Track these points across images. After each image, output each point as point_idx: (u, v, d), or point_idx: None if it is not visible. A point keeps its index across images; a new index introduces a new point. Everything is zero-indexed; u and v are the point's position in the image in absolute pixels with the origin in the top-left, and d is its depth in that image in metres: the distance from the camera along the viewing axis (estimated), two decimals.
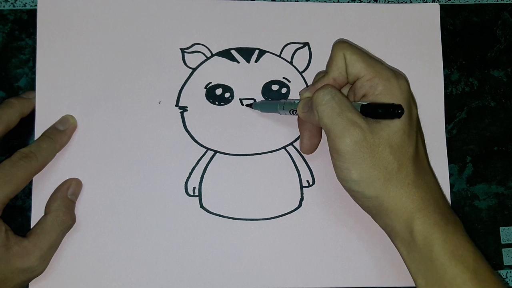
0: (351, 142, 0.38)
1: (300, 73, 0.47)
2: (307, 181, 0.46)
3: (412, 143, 0.40)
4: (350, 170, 0.39)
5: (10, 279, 0.40)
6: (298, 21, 0.48)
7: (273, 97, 0.47)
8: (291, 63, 0.48)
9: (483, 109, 0.50)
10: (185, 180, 0.46)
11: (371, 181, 0.39)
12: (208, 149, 0.46)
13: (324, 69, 0.44)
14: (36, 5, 0.47)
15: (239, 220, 0.45)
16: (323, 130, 0.44)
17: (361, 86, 0.41)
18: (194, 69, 0.47)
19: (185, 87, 0.47)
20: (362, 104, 0.39)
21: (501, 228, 0.48)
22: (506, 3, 0.51)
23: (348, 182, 0.39)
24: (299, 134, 0.46)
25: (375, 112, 0.39)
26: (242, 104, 0.47)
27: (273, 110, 0.45)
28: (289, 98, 0.47)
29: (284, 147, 0.47)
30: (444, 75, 0.48)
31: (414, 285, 0.45)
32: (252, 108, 0.46)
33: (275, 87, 0.47)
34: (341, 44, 0.42)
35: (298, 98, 0.45)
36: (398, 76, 0.41)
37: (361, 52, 0.41)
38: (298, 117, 0.45)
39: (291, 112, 0.44)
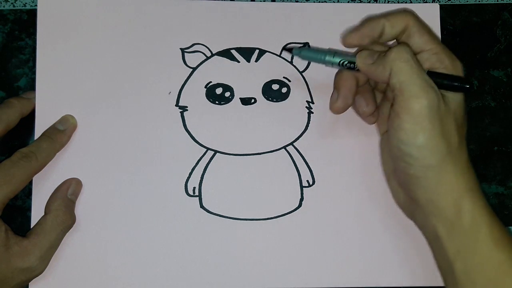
0: (427, 105, 0.37)
1: (300, 73, 0.47)
2: (307, 181, 0.46)
3: (465, 124, 0.40)
4: (418, 133, 0.37)
5: (10, 279, 0.40)
6: (298, 21, 0.48)
7: (274, 96, 0.47)
8: (291, 63, 0.48)
9: (483, 109, 0.50)
10: (185, 180, 0.46)
11: (435, 150, 0.38)
12: (208, 149, 0.46)
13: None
14: (36, 5, 0.47)
15: (239, 220, 0.45)
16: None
17: (428, 58, 0.40)
18: (194, 69, 0.47)
19: (185, 86, 0.47)
20: (429, 71, 0.39)
21: None
22: (506, 3, 0.51)
23: (411, 146, 0.38)
24: (299, 134, 0.46)
25: (449, 82, 0.38)
26: (243, 104, 0.47)
27: (319, 59, 0.43)
28: (290, 97, 0.47)
29: (284, 147, 0.47)
30: None
31: (414, 285, 0.45)
32: (291, 53, 0.44)
33: (275, 87, 0.47)
34: (410, 13, 0.41)
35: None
36: (458, 60, 0.41)
37: (428, 27, 0.41)
38: (339, 72, 0.43)
39: (341, 64, 0.42)
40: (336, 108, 0.43)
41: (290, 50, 0.45)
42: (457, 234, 0.38)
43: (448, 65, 0.40)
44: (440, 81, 0.39)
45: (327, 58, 0.42)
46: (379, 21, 0.41)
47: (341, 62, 0.42)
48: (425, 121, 0.37)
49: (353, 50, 0.44)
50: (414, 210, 0.42)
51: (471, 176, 0.39)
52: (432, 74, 0.39)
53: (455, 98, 0.39)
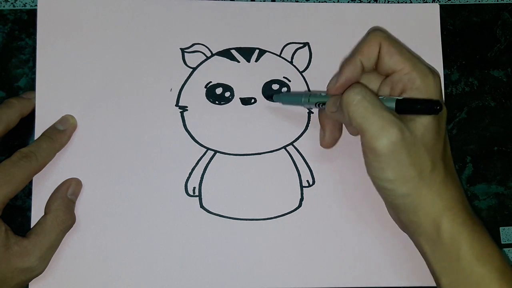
0: (389, 143, 0.37)
1: (300, 72, 0.47)
2: (307, 181, 0.46)
3: (441, 141, 0.40)
4: (385, 169, 0.38)
5: (10, 279, 0.40)
6: (298, 21, 0.48)
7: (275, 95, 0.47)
8: (291, 62, 0.48)
9: (483, 109, 0.50)
10: (185, 180, 0.46)
11: (406, 180, 0.38)
12: (208, 149, 0.46)
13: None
14: (36, 5, 0.47)
15: (239, 220, 0.45)
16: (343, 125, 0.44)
17: (399, 80, 0.40)
18: (194, 69, 0.47)
19: (185, 86, 0.47)
20: (398, 99, 0.38)
21: (501, 228, 0.48)
22: (506, 3, 0.51)
23: (382, 180, 0.39)
24: (299, 134, 0.47)
25: (413, 107, 0.38)
26: (243, 104, 0.47)
27: (297, 102, 0.44)
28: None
29: (284, 147, 0.47)
30: (444, 75, 0.48)
31: (414, 285, 0.45)
32: (272, 100, 0.46)
33: (275, 87, 0.47)
34: (379, 33, 0.41)
35: (312, 91, 0.44)
36: (434, 73, 0.40)
37: (398, 44, 0.41)
38: (320, 110, 0.44)
39: (317, 106, 0.43)
40: (325, 145, 0.44)
41: (271, 97, 0.46)
42: (439, 252, 0.39)
43: (420, 85, 0.39)
44: (409, 108, 0.38)
45: (303, 100, 0.44)
46: (355, 62, 0.42)
47: (317, 104, 0.43)
48: (389, 158, 0.37)
49: None
50: (403, 228, 0.43)
51: (450, 194, 0.39)
52: (400, 102, 0.38)
53: (423, 122, 0.38)
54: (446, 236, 0.38)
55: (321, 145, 0.45)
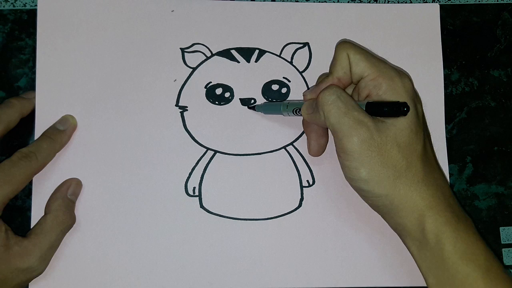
0: (359, 141, 0.38)
1: (300, 73, 0.47)
2: (307, 181, 0.46)
3: (419, 141, 0.40)
4: (359, 169, 0.38)
5: (10, 279, 0.40)
6: (298, 21, 0.48)
7: (273, 97, 0.47)
8: (291, 63, 0.48)
9: (483, 109, 0.50)
10: (185, 180, 0.46)
11: (380, 179, 0.38)
12: (208, 149, 0.46)
13: (324, 69, 0.44)
14: (36, 5, 0.47)
15: (239, 220, 0.45)
16: (329, 131, 0.44)
17: (365, 86, 0.41)
18: (194, 69, 0.47)
19: (185, 86, 0.47)
20: (368, 102, 0.39)
21: (501, 228, 0.48)
22: (506, 3, 0.51)
23: (357, 181, 0.39)
24: (299, 134, 0.47)
25: (381, 110, 0.39)
26: (243, 104, 0.47)
27: (276, 111, 0.45)
28: (289, 98, 0.47)
29: (284, 147, 0.47)
30: (444, 75, 0.48)
31: (414, 285, 0.45)
32: (254, 110, 0.46)
33: (275, 87, 0.47)
34: (345, 44, 0.42)
35: (300, 98, 0.45)
36: (402, 74, 0.41)
37: (364, 51, 0.42)
38: (304, 119, 0.45)
39: (295, 112, 0.44)
40: (313, 153, 0.45)
41: (253, 108, 0.46)
42: (425, 252, 0.39)
43: (386, 89, 0.40)
44: (377, 110, 0.39)
45: (282, 108, 0.44)
46: (332, 78, 0.42)
47: (294, 110, 0.43)
48: (361, 156, 0.38)
49: None
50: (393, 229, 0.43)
51: (431, 193, 0.39)
52: (369, 105, 0.39)
53: (395, 123, 0.39)
54: (431, 237, 0.38)
55: (309, 153, 0.45)
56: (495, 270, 0.38)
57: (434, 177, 0.40)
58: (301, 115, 0.43)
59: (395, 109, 0.38)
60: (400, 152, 0.39)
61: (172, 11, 0.46)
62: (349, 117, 0.38)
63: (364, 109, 0.39)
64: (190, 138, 0.46)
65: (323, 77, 0.43)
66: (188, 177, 0.46)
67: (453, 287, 0.38)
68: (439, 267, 0.39)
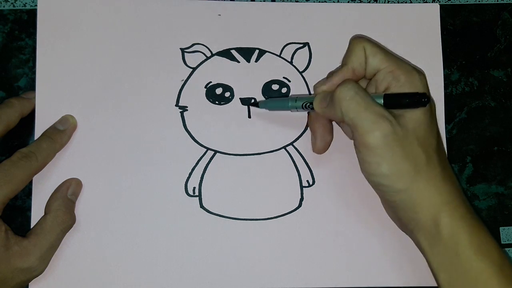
0: (381, 136, 0.37)
1: (300, 73, 0.47)
2: (307, 181, 0.46)
3: (434, 135, 0.40)
4: (380, 164, 0.38)
5: (10, 279, 0.40)
6: (298, 21, 0.48)
7: (273, 96, 0.47)
8: (291, 63, 0.48)
9: (483, 109, 0.50)
10: (185, 180, 0.46)
11: (401, 174, 0.38)
12: (208, 149, 0.46)
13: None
14: (36, 5, 0.47)
15: (239, 220, 0.45)
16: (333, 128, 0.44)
17: (384, 78, 0.41)
18: (194, 69, 0.47)
19: (185, 86, 0.47)
20: (385, 94, 0.39)
21: (501, 228, 0.48)
22: (506, 3, 0.51)
23: (377, 176, 0.39)
24: (299, 134, 0.47)
25: (400, 101, 0.38)
26: (243, 104, 0.47)
27: (283, 107, 0.45)
28: (289, 95, 0.47)
29: (284, 147, 0.47)
30: (444, 75, 0.48)
31: (413, 285, 0.45)
32: (257, 107, 0.46)
33: (275, 87, 0.47)
34: (360, 38, 0.42)
35: (297, 95, 0.45)
36: (418, 69, 0.41)
37: (381, 46, 0.42)
38: (309, 115, 0.44)
39: (304, 107, 0.43)
40: (318, 150, 0.44)
41: (256, 104, 0.46)
42: (438, 247, 0.39)
43: (404, 81, 0.40)
44: (397, 102, 0.39)
45: (290, 103, 0.44)
46: (346, 69, 0.42)
47: (304, 104, 0.43)
48: (383, 151, 0.38)
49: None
50: (401, 226, 0.43)
51: (447, 188, 0.39)
52: (387, 97, 0.39)
53: (413, 117, 0.39)
54: (445, 231, 0.38)
55: (313, 150, 0.44)
56: (508, 267, 0.38)
57: (449, 172, 0.40)
58: (311, 109, 0.42)
59: (415, 100, 0.38)
60: (420, 146, 0.39)
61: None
62: (370, 112, 0.38)
63: (381, 102, 0.39)
64: (190, 138, 0.46)
65: (336, 71, 0.43)
66: (188, 177, 0.46)
67: (466, 282, 0.38)
68: (452, 262, 0.38)
